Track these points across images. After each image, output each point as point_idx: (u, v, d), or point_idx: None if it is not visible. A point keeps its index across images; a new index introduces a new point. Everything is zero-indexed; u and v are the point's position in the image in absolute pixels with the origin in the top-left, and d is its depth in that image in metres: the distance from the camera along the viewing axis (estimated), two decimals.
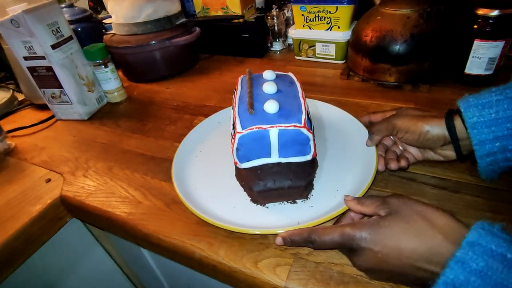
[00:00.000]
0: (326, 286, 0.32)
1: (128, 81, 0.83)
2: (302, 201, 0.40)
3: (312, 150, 0.38)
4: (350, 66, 0.68)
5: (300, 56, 0.80)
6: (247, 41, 0.84)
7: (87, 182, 0.51)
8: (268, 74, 0.45)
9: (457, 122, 0.37)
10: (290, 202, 0.40)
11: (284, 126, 0.36)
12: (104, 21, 0.90)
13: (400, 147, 0.45)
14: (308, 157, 0.39)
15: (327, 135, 0.50)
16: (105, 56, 0.68)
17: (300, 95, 0.41)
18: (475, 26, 0.54)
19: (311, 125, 0.38)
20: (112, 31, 0.81)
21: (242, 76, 0.48)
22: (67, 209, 0.51)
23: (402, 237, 0.28)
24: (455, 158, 0.40)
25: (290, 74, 0.47)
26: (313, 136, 0.38)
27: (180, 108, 0.68)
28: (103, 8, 1.15)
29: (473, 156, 0.37)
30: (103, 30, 0.86)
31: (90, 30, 0.83)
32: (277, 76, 0.46)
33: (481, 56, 0.55)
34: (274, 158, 0.39)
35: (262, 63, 0.83)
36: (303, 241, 0.32)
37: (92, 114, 0.70)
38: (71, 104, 0.67)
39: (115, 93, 0.72)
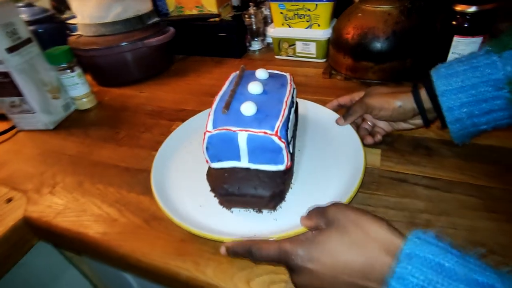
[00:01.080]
0: None
1: (98, 86, 0.78)
2: (268, 212, 0.38)
3: (285, 160, 0.35)
4: (332, 65, 0.67)
5: (280, 55, 0.78)
6: (225, 41, 0.81)
7: (54, 200, 0.46)
8: (260, 73, 0.43)
9: (422, 94, 0.40)
10: (256, 211, 0.38)
11: (254, 131, 0.33)
12: (68, 21, 0.83)
13: (369, 123, 0.49)
14: (280, 167, 0.36)
15: (309, 137, 0.48)
16: (70, 59, 0.63)
17: (285, 99, 0.38)
18: (454, 22, 0.54)
19: (286, 133, 0.34)
20: (78, 32, 0.75)
21: (234, 72, 0.45)
22: (33, 231, 0.46)
23: (337, 251, 0.26)
24: (422, 125, 0.44)
25: (287, 75, 0.44)
26: (289, 145, 0.35)
27: (156, 113, 0.63)
28: (68, 8, 1.07)
29: (441, 122, 0.40)
30: (68, 32, 0.79)
31: (52, 31, 0.77)
32: (271, 75, 0.43)
33: (461, 52, 0.55)
34: (244, 162, 0.36)
35: (241, 64, 0.80)
36: (244, 252, 0.31)
37: (58, 123, 0.64)
38: (34, 113, 0.60)
39: (84, 99, 0.67)
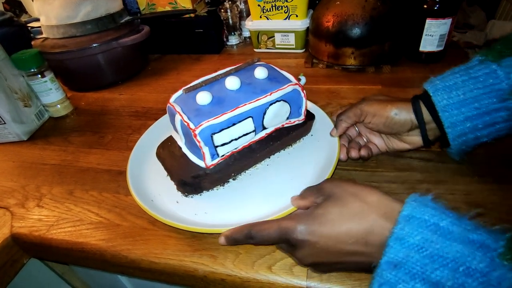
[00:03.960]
0: (349, 276, 0.31)
1: (71, 91, 0.73)
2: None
3: (203, 159, 0.36)
4: (313, 54, 0.69)
5: (260, 48, 0.78)
6: (201, 37, 0.79)
7: (44, 213, 0.43)
8: (259, 71, 0.40)
9: (422, 107, 0.37)
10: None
11: (184, 120, 0.35)
12: (29, 24, 0.77)
13: (364, 139, 0.45)
14: (201, 163, 0.37)
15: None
16: (40, 64, 0.58)
17: (250, 104, 0.36)
18: (425, 6, 0.58)
19: (211, 135, 0.35)
20: (43, 35, 0.70)
21: (249, 60, 0.45)
22: (23, 248, 0.42)
23: (337, 222, 0.27)
24: (420, 145, 0.40)
25: (291, 80, 0.40)
26: (215, 147, 0.36)
27: (141, 114, 0.61)
28: (23, 11, 0.99)
29: (440, 140, 0.38)
30: (31, 35, 0.74)
31: (12, 35, 0.71)
32: (270, 75, 0.41)
33: (433, 34, 0.59)
34: (181, 143, 0.40)
35: (220, 59, 0.79)
36: (243, 238, 0.30)
37: (32, 133, 0.60)
38: (4, 123, 0.55)
39: (58, 105, 0.62)
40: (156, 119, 0.53)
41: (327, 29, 0.61)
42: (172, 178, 0.40)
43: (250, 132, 0.39)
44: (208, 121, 0.35)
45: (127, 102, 0.66)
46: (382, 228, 0.25)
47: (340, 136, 0.43)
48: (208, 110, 0.36)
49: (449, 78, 0.35)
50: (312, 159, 0.42)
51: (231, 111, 0.36)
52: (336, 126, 0.43)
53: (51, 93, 0.61)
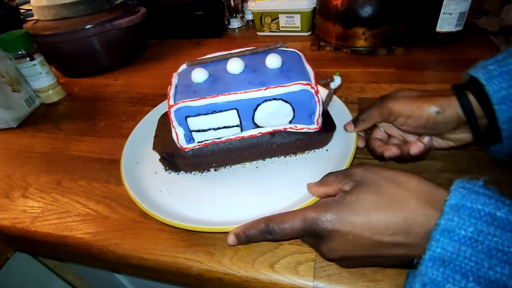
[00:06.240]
0: (362, 276, 0.27)
1: (65, 77, 0.70)
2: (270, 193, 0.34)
3: (176, 138, 0.34)
4: (320, 36, 0.64)
5: (263, 31, 0.73)
6: (202, 20, 0.75)
7: (29, 204, 0.39)
8: (271, 59, 0.34)
9: (471, 98, 0.30)
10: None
11: (169, 92, 0.34)
12: (21, 7, 0.73)
13: (382, 129, 0.38)
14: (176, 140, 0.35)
15: None
16: (28, 45, 0.54)
17: (244, 94, 0.32)
18: None
19: (185, 118, 0.32)
20: (34, 18, 0.66)
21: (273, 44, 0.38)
22: (7, 241, 0.39)
23: (373, 210, 0.23)
24: (470, 141, 0.33)
25: (306, 79, 0.33)
26: (190, 132, 0.34)
27: (136, 100, 0.57)
28: None
29: (490, 137, 0.31)
30: (22, 17, 0.70)
31: (3, 18, 0.67)
32: (284, 67, 0.34)
33: (452, 12, 0.54)
34: None
35: (221, 43, 0.75)
36: (260, 233, 0.27)
37: (22, 119, 0.56)
38: None
39: (50, 91, 0.59)
40: (152, 105, 0.49)
41: (336, 7, 0.56)
42: (153, 148, 0.38)
43: (233, 126, 0.34)
44: (185, 101, 0.31)
45: (122, 88, 0.62)
46: (426, 217, 0.22)
47: (357, 149, 0.36)
48: (195, 89, 0.33)
49: (506, 62, 0.29)
50: (313, 177, 0.32)
51: (212, 97, 0.31)
52: (355, 123, 0.37)
53: (41, 78, 0.57)
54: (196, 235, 0.33)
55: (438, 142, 0.35)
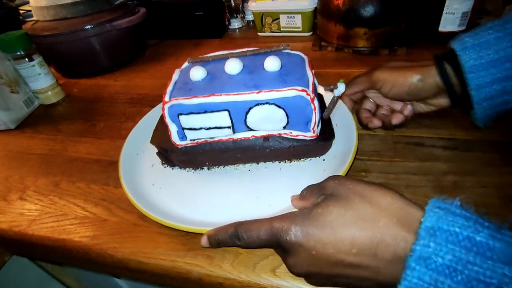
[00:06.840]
0: None
1: (64, 78, 0.69)
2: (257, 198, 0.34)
3: (169, 133, 0.35)
4: (322, 36, 0.63)
5: (264, 32, 0.73)
6: (202, 20, 0.75)
7: (26, 206, 0.39)
8: (269, 61, 0.33)
9: (448, 67, 0.33)
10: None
11: (166, 89, 0.34)
12: (20, 8, 0.73)
13: (371, 100, 0.41)
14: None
15: None
16: (27, 46, 0.54)
17: (235, 96, 0.31)
18: None
19: (177, 116, 0.33)
20: (33, 18, 0.66)
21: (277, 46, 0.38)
22: (4, 245, 0.39)
23: (338, 225, 0.22)
24: (448, 106, 0.36)
25: (303, 84, 0.32)
26: (182, 129, 0.34)
27: (136, 101, 0.57)
28: None
29: (465, 102, 0.34)
30: (21, 18, 0.70)
31: (2, 19, 0.67)
32: (283, 70, 0.33)
33: (455, 11, 0.53)
34: None
35: (222, 44, 0.74)
36: (229, 238, 0.26)
37: (21, 121, 0.56)
38: None
39: (49, 92, 0.58)
40: (152, 106, 0.49)
41: (337, 7, 0.56)
42: (150, 141, 0.38)
43: (225, 127, 0.34)
44: (178, 99, 0.32)
45: (122, 88, 0.62)
46: (396, 238, 0.20)
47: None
48: (191, 87, 0.33)
49: (481, 34, 0.31)
50: (304, 187, 0.29)
51: (204, 97, 0.31)
52: (346, 85, 0.36)
53: (40, 78, 0.57)
54: (196, 239, 0.32)
55: (421, 106, 0.38)
